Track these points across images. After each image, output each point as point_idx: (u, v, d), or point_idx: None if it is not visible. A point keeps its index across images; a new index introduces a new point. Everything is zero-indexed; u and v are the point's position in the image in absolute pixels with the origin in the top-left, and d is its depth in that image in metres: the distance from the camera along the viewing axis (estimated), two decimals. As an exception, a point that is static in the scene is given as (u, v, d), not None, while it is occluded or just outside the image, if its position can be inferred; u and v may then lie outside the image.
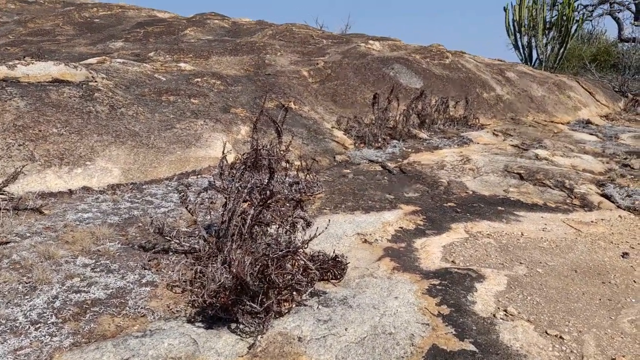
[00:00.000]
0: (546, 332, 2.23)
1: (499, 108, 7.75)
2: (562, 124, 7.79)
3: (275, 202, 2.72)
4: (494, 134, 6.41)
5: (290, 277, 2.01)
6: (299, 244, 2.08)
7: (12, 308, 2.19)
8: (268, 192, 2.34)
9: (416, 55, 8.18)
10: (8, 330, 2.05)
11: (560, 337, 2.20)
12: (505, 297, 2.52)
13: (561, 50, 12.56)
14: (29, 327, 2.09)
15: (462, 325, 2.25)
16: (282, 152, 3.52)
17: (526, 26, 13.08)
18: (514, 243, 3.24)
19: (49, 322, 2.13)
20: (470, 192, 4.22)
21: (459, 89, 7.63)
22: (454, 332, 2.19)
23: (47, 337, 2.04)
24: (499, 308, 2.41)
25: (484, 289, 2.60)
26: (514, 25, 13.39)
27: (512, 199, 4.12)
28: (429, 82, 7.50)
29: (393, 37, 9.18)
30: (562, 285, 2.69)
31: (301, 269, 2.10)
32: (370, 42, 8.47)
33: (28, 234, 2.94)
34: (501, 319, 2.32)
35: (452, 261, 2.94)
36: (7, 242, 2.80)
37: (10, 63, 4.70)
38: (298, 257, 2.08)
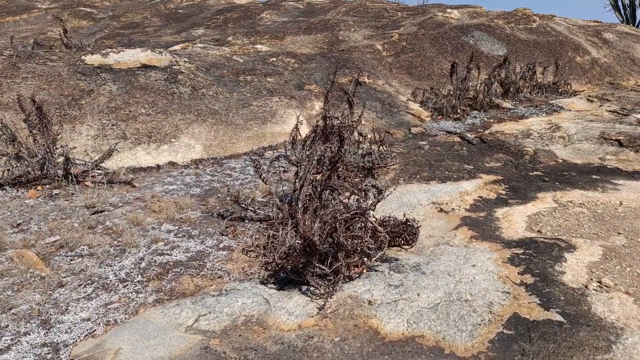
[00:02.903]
0: (648, 305, 1.99)
1: (595, 72, 7.04)
2: (672, 87, 6.90)
3: (346, 170, 2.69)
4: (588, 100, 5.83)
5: (359, 240, 1.97)
6: (367, 207, 2.03)
7: (104, 268, 2.39)
8: (337, 157, 2.30)
9: (499, 20, 7.64)
10: (100, 287, 2.23)
11: (666, 310, 1.95)
12: (600, 268, 2.29)
13: (673, 6, 11.09)
14: (118, 284, 2.26)
15: (548, 295, 2.08)
16: (353, 122, 3.46)
17: (629, -18, 11.72)
18: (611, 212, 2.93)
19: (135, 280, 2.29)
20: (560, 161, 3.88)
21: (548, 54, 7.03)
22: (538, 302, 2.03)
23: (133, 293, 2.19)
24: (592, 279, 2.20)
25: (575, 259, 2.38)
26: (614, -17, 12.05)
27: (609, 166, 3.73)
28: (513, 48, 6.99)
29: (474, 4, 8.66)
30: (669, 256, 2.38)
31: (370, 232, 2.05)
32: (448, 10, 8.05)
33: (120, 204, 3.18)
34: (594, 290, 2.11)
35: (538, 231, 2.72)
36: (102, 211, 3.05)
37: (103, 52, 5.09)
38: (367, 220, 2.04)
